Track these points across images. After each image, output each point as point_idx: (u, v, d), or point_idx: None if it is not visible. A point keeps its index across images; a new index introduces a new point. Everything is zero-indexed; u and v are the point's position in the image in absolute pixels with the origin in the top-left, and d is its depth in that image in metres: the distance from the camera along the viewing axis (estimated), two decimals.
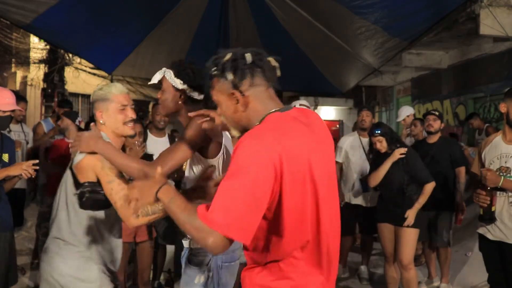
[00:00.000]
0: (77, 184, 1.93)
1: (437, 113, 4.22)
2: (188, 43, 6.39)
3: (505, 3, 5.68)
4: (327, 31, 5.59)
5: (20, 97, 4.91)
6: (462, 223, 4.47)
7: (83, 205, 1.89)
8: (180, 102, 1.98)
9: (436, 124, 4.17)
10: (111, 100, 2.01)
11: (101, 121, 2.02)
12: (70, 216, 1.95)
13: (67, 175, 2.00)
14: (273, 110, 1.33)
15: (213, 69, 1.35)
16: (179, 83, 1.96)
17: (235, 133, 1.41)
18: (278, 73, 1.37)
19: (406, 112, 5.41)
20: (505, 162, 2.74)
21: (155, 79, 2.02)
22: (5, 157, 2.98)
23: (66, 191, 1.98)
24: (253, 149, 1.19)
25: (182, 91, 1.97)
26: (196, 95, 1.98)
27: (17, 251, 3.15)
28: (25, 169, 2.64)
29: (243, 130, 1.37)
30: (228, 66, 1.31)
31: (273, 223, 1.25)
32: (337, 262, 1.42)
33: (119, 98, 2.01)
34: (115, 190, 1.86)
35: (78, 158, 1.94)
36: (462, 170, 4.21)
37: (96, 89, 2.09)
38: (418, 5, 4.40)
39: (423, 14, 4.49)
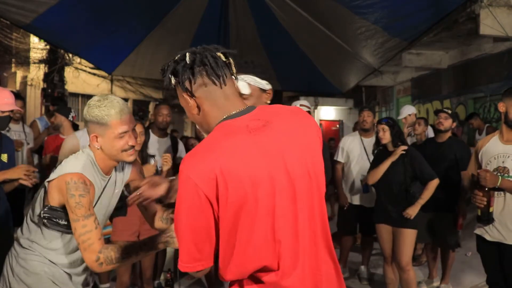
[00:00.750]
0: (43, 201, 1.83)
1: (449, 111, 4.15)
2: (188, 43, 6.38)
3: (505, 3, 5.67)
4: (327, 31, 5.59)
5: (17, 95, 4.89)
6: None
7: (46, 226, 1.82)
8: (268, 102, 2.01)
9: (447, 123, 4.07)
10: (109, 126, 1.75)
11: (96, 146, 1.79)
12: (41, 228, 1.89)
13: (42, 188, 1.88)
14: (225, 117, 1.28)
15: (161, 73, 1.35)
16: (265, 84, 1.98)
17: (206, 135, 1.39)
18: (234, 69, 1.31)
19: (408, 111, 5.39)
20: (503, 162, 2.73)
21: (244, 90, 1.92)
22: (4, 157, 2.98)
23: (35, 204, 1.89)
24: (183, 184, 1.19)
25: (267, 91, 2.00)
26: (246, 88, 1.97)
27: None
28: (25, 174, 2.64)
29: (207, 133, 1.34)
30: (168, 69, 1.32)
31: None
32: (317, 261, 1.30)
33: (118, 125, 1.75)
34: (78, 231, 1.70)
35: (53, 175, 1.78)
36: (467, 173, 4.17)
37: (91, 101, 1.79)
38: (418, 5, 4.40)
39: (423, 14, 4.49)
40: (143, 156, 3.63)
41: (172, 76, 1.31)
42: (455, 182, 3.99)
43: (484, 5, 5.48)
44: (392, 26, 4.76)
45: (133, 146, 1.81)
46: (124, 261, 1.68)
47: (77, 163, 1.80)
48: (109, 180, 1.92)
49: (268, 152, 1.22)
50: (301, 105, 3.97)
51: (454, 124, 4.21)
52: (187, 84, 1.28)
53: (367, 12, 4.63)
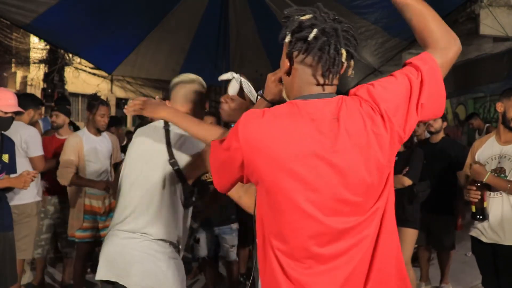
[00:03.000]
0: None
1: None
2: (188, 43, 6.40)
3: (505, 3, 5.68)
4: None
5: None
6: (462, 223, 4.46)
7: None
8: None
9: (437, 124, 4.08)
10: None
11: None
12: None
13: (166, 170, 1.92)
14: (303, 95, 1.22)
15: (284, 19, 1.24)
16: (256, 96, 1.88)
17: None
18: (349, 73, 1.23)
19: None
20: (499, 162, 2.73)
21: (232, 92, 1.84)
22: (5, 157, 2.98)
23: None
24: (232, 130, 1.21)
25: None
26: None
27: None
28: (27, 181, 2.87)
29: (287, 97, 1.32)
30: (289, 27, 1.21)
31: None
32: None
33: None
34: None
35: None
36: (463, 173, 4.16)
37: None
38: None
39: None
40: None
41: (289, 35, 1.21)
42: (451, 183, 3.97)
43: (484, 5, 5.49)
44: (392, 26, 4.76)
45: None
46: None
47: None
48: None
49: (317, 145, 1.14)
50: None
51: (445, 124, 4.20)
52: (295, 53, 1.21)
53: (367, 12, 4.64)
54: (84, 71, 11.30)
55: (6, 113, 2.89)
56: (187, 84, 2.07)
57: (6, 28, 9.87)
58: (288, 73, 1.26)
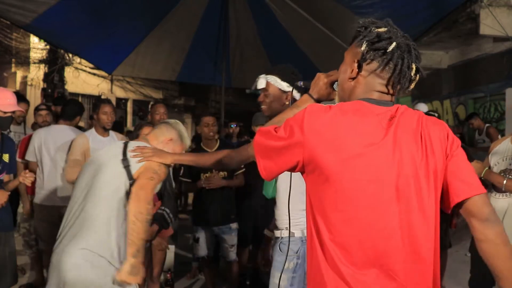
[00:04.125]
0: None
1: (436, 114, 4.19)
2: (188, 43, 6.40)
3: (505, 3, 5.68)
4: (327, 31, 5.59)
5: (22, 98, 4.91)
6: (462, 224, 4.45)
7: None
8: (287, 103, 2.14)
9: None
10: (182, 144, 2.36)
11: (164, 147, 2.27)
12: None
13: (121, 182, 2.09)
14: (367, 98, 1.28)
15: (359, 28, 1.31)
16: (285, 86, 2.15)
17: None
18: (411, 86, 1.31)
19: (423, 109, 5.43)
20: (510, 164, 2.72)
21: (260, 85, 2.19)
22: (6, 157, 2.99)
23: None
24: (297, 115, 1.27)
25: (287, 93, 2.16)
26: (299, 96, 2.09)
27: (16, 251, 3.15)
28: (21, 181, 2.93)
29: (341, 99, 1.39)
30: (365, 37, 1.27)
31: None
32: None
33: (183, 148, 2.38)
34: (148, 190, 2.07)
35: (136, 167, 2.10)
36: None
37: (180, 124, 2.42)
38: (418, 5, 4.40)
39: (423, 14, 4.49)
40: None
41: (365, 44, 1.26)
42: None
43: (484, 5, 5.48)
44: None
45: None
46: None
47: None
48: None
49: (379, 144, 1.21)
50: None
51: None
52: (367, 62, 1.27)
53: (367, 12, 4.63)
54: (84, 71, 11.28)
55: (5, 112, 2.89)
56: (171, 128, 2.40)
57: (6, 28, 9.86)
58: (353, 78, 1.31)
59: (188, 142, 2.39)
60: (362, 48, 1.26)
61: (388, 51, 1.24)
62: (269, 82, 2.18)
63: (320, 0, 5.12)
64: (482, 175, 2.62)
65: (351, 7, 4.66)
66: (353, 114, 1.22)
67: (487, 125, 6.76)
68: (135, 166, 2.09)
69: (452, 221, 4.19)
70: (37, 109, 4.60)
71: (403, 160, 1.21)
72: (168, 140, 2.32)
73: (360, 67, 1.28)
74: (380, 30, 1.26)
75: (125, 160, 2.09)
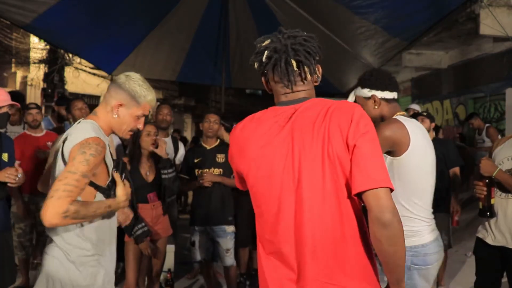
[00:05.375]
0: None
1: (424, 113, 4.20)
2: (188, 43, 6.40)
3: (505, 3, 5.68)
4: (327, 31, 5.59)
5: (18, 96, 4.73)
6: (461, 224, 4.44)
7: None
8: (376, 107, 2.10)
9: (425, 124, 4.10)
10: (139, 105, 1.87)
11: (114, 114, 1.86)
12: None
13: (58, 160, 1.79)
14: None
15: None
16: (366, 92, 2.11)
17: None
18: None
19: (413, 107, 5.50)
20: None
21: (351, 100, 2.18)
22: (5, 156, 2.98)
23: None
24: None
25: (372, 97, 2.10)
26: (387, 94, 2.07)
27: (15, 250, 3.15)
28: (7, 177, 2.72)
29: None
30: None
31: None
32: None
33: (146, 108, 1.90)
34: (66, 180, 1.61)
35: (69, 145, 1.74)
36: (456, 170, 4.14)
37: (134, 76, 1.89)
38: (418, 5, 4.40)
39: (423, 14, 4.49)
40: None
41: (256, 63, 1.45)
42: (444, 182, 3.97)
43: (484, 5, 5.48)
44: (392, 26, 4.76)
45: (138, 129, 1.97)
46: (83, 216, 1.66)
47: (89, 129, 1.79)
48: None
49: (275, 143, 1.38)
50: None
51: (433, 124, 4.24)
52: (265, 75, 1.47)
53: (367, 12, 4.63)
54: (84, 71, 11.28)
55: (0, 107, 2.87)
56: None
57: (6, 28, 9.86)
58: (271, 91, 1.48)
59: (150, 97, 1.89)
60: (256, 67, 1.45)
61: (263, 60, 1.40)
62: (356, 96, 2.18)
63: (320, 0, 5.12)
64: (494, 175, 2.57)
65: (351, 7, 4.65)
66: (254, 121, 1.44)
67: (487, 125, 6.75)
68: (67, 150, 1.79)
69: (453, 219, 4.18)
70: (27, 107, 4.35)
71: (293, 152, 1.32)
72: (118, 106, 1.85)
73: (268, 83, 1.48)
74: (263, 44, 1.42)
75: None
